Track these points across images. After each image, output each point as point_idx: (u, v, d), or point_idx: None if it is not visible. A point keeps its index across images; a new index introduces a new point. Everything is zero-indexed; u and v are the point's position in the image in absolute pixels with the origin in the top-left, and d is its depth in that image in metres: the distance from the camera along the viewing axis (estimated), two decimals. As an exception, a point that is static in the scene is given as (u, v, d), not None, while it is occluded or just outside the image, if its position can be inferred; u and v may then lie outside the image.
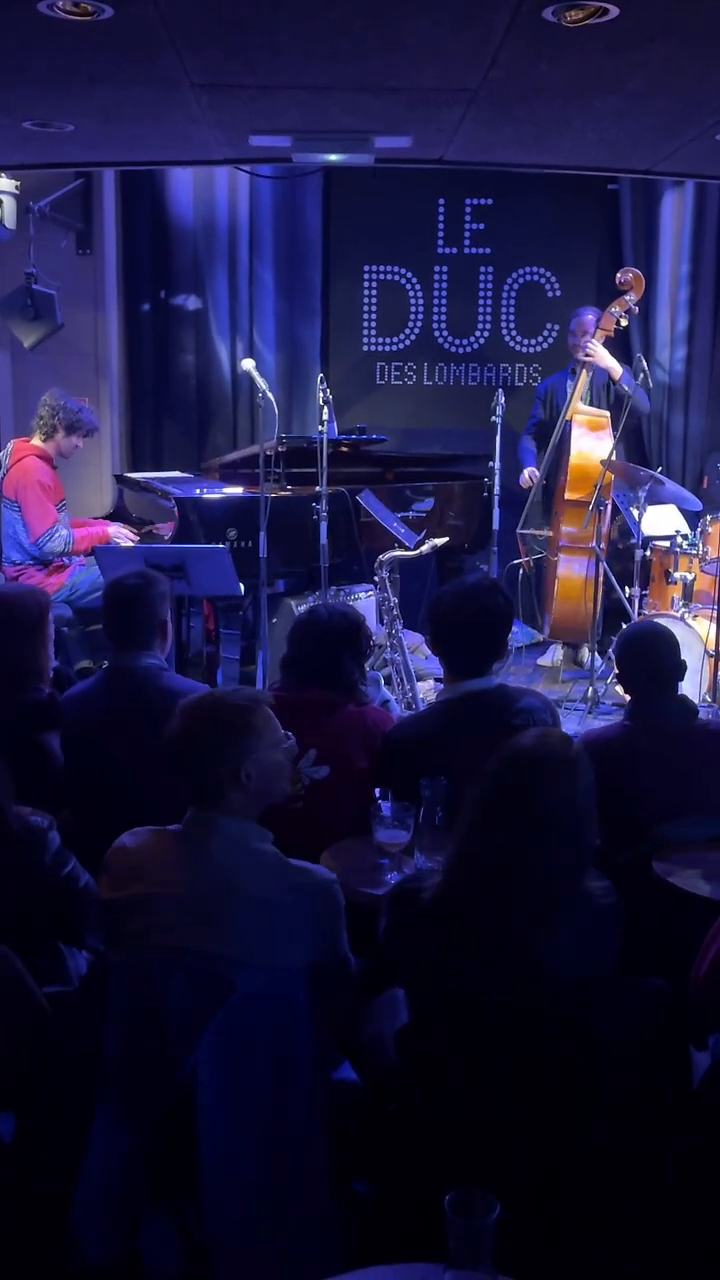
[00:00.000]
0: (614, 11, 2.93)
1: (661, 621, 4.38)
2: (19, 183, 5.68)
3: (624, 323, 6.74)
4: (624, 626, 5.75)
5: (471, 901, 2.10)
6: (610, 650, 6.19)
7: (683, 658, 3.53)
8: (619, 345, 7.56)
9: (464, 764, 2.36)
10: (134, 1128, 2.22)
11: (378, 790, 3.00)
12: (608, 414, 6.75)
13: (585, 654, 6.72)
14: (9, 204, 5.65)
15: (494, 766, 2.21)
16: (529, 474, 7.04)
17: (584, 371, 6.76)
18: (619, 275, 6.68)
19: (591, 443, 6.64)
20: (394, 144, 4.37)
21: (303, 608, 5.12)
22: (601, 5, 2.90)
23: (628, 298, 6.61)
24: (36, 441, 5.97)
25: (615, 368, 6.71)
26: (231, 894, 2.37)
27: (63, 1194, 2.22)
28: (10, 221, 5.71)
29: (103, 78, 3.58)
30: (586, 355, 6.69)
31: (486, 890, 2.09)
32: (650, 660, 3.49)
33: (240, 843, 2.44)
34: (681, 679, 3.51)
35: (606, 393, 6.86)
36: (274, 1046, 2.20)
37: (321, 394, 5.60)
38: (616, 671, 3.78)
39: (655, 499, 6.19)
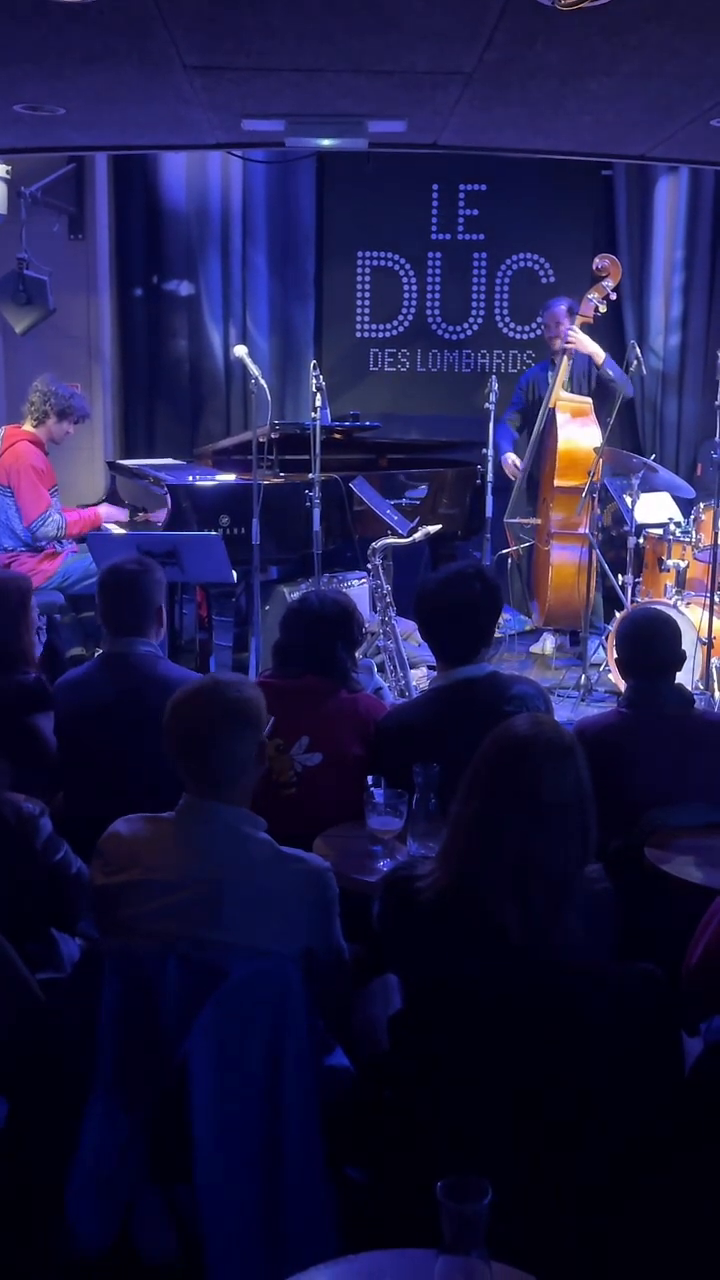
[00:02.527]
0: (609, -7, 2.91)
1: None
2: (10, 167, 5.65)
3: (603, 309, 6.74)
4: (617, 614, 5.76)
5: (478, 892, 2.10)
6: (603, 637, 6.23)
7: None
8: (612, 331, 7.57)
9: (457, 750, 2.35)
10: (127, 1114, 2.21)
11: (370, 777, 3.00)
12: (590, 400, 6.75)
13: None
14: (0, 188, 5.62)
15: (488, 753, 2.20)
16: (512, 461, 7.03)
17: (565, 359, 6.76)
18: (596, 261, 6.69)
19: (577, 429, 6.64)
20: (388, 128, 4.34)
21: (296, 595, 5.11)
22: (597, -13, 2.88)
23: (605, 284, 6.63)
24: (28, 427, 5.95)
25: (598, 352, 6.72)
26: (225, 881, 2.36)
27: (56, 1180, 2.22)
28: (1, 206, 5.68)
29: (94, 59, 3.55)
30: (568, 343, 6.69)
31: (493, 880, 2.08)
32: (650, 647, 3.48)
33: (234, 830, 2.44)
34: (680, 668, 3.50)
35: (588, 379, 6.86)
36: (267, 1033, 2.20)
37: (314, 380, 5.58)
38: (615, 657, 3.76)
39: (648, 486, 6.20)
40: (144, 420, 7.99)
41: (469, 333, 8.11)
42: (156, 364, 7.94)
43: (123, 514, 6.09)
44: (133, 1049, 2.19)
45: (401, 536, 5.67)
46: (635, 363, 6.15)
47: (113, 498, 6.62)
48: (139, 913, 2.35)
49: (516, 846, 2.07)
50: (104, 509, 6.09)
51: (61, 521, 5.81)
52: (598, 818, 2.19)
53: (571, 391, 6.81)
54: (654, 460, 6.29)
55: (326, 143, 4.47)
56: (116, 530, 5.87)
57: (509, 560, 7.15)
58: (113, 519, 6.00)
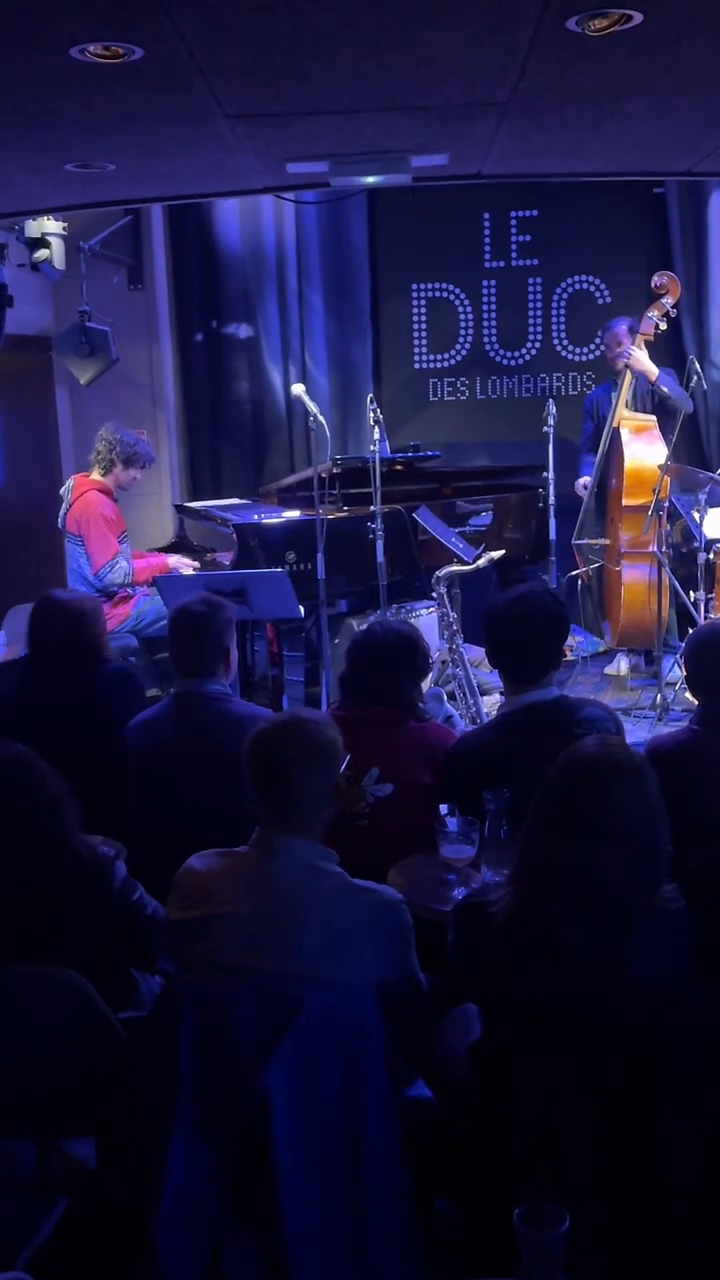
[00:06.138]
0: (638, 17, 2.91)
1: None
2: (66, 224, 5.78)
3: (663, 327, 6.70)
4: (690, 631, 5.70)
5: (548, 915, 2.09)
6: (678, 655, 6.16)
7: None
8: (670, 348, 7.52)
9: (527, 776, 2.35)
10: (211, 1149, 2.22)
11: (443, 806, 3.00)
12: (654, 418, 6.72)
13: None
14: (57, 245, 5.75)
15: (557, 777, 2.20)
16: (582, 481, 7.02)
17: (627, 378, 6.74)
18: (654, 279, 6.66)
19: (642, 447, 6.60)
20: (431, 162, 4.38)
21: (364, 627, 5.14)
22: (625, 13, 2.88)
23: (665, 301, 6.59)
24: (96, 476, 6.06)
25: (651, 370, 6.68)
26: (298, 914, 2.38)
27: (146, 1216, 2.24)
28: (60, 262, 5.81)
29: (138, 116, 3.63)
30: (628, 362, 6.67)
31: (564, 903, 2.07)
32: (718, 662, 3.44)
33: (307, 863, 2.46)
34: None
35: (651, 398, 6.83)
36: (346, 1065, 2.20)
37: (372, 414, 5.63)
38: (685, 675, 3.73)
39: (716, 501, 6.13)
40: (209, 462, 8.10)
41: (528, 358, 8.11)
42: (219, 406, 8.05)
43: (193, 563, 6.16)
44: (212, 1084, 2.20)
45: (466, 564, 5.67)
46: (696, 378, 6.11)
47: (182, 541, 6.70)
48: (214, 946, 2.38)
49: (585, 867, 2.07)
50: (173, 558, 6.17)
51: (128, 568, 5.89)
52: (673, 836, 2.17)
53: (634, 410, 6.79)
54: (720, 474, 6.24)
55: (371, 180, 4.51)
56: (186, 571, 5.94)
57: (579, 582, 7.12)
58: (182, 566, 6.08)
